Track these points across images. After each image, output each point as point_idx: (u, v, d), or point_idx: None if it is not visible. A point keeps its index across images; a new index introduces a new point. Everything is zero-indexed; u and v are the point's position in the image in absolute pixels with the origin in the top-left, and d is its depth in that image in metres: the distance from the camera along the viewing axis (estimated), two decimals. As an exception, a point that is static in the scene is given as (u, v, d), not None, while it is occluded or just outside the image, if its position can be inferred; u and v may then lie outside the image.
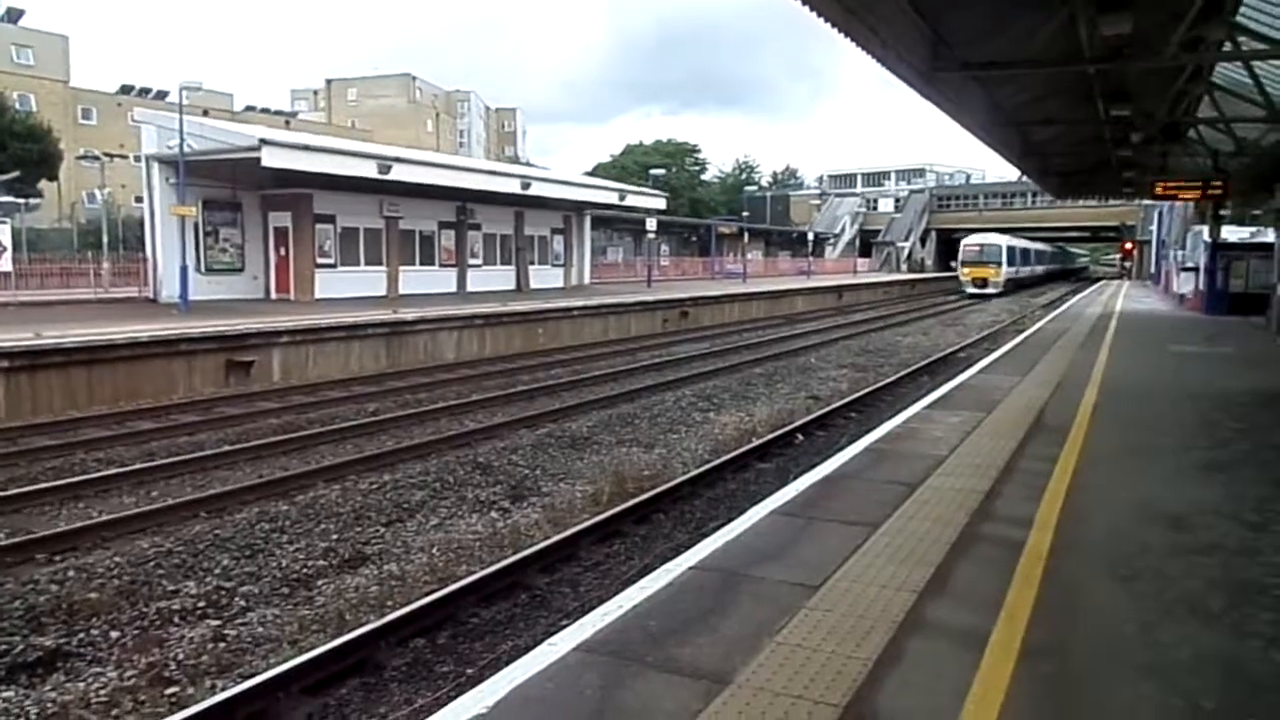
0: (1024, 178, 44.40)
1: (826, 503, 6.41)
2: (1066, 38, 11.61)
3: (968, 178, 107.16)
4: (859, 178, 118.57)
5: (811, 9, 9.36)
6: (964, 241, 58.85)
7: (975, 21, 11.68)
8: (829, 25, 9.94)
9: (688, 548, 5.65)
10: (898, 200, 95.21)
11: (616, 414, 14.60)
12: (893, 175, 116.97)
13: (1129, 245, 69.91)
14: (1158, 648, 4.15)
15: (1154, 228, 55.14)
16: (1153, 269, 55.81)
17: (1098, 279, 78.42)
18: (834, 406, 14.81)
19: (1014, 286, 58.03)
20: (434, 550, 8.09)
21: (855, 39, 10.64)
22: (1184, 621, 4.44)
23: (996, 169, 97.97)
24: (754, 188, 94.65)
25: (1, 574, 7.38)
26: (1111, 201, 53.59)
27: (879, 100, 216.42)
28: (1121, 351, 16.66)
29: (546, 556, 7.62)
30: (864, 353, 24.17)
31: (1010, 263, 56.71)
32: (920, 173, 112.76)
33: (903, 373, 19.22)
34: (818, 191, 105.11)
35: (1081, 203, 62.48)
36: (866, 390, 16.59)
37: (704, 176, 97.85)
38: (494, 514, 9.27)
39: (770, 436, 12.37)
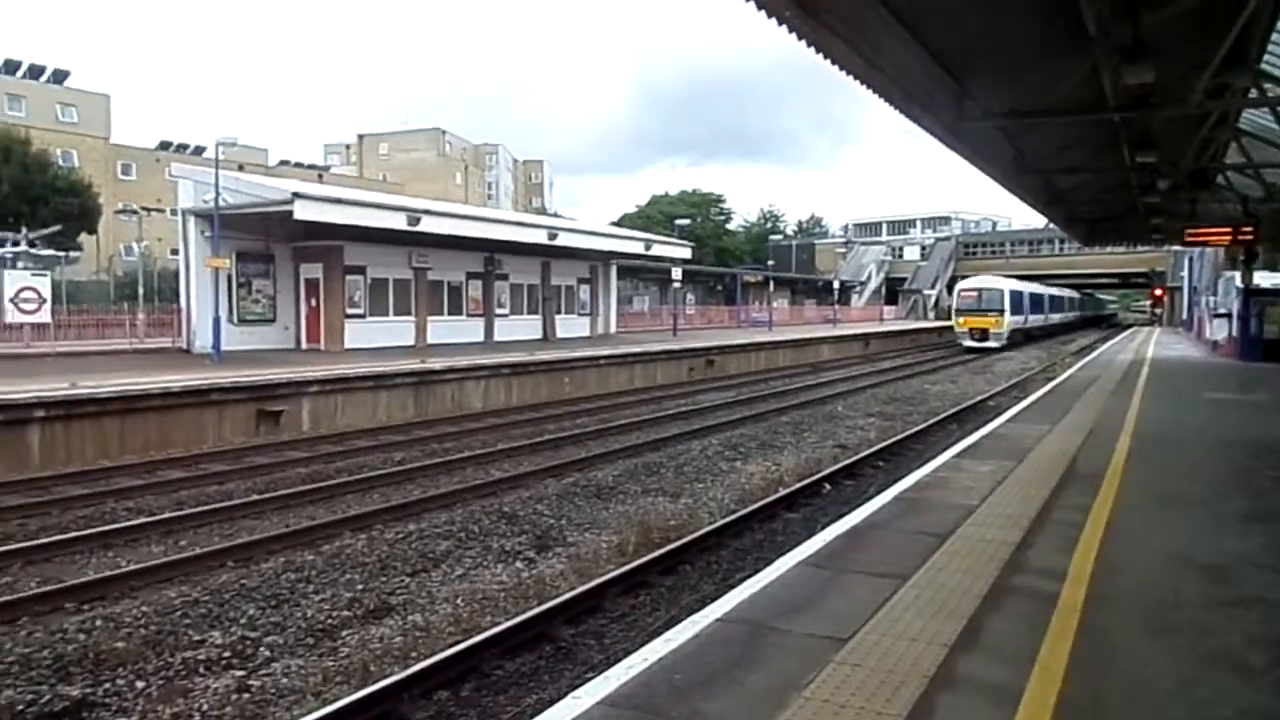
0: (1051, 225, 44.17)
1: (855, 554, 6.33)
2: (1090, 86, 11.67)
3: (994, 225, 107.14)
4: (884, 226, 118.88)
5: (833, 62, 9.49)
6: (959, 286, 51.75)
7: (997, 71, 11.78)
8: (850, 77, 10.07)
9: (714, 599, 5.60)
10: (924, 248, 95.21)
11: (642, 463, 14.56)
12: (918, 223, 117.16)
13: (1159, 291, 69.32)
14: (1197, 705, 4.03)
15: (1185, 274, 54.71)
16: (1184, 315, 55.13)
17: (1128, 326, 77.63)
18: (862, 455, 14.68)
19: (1023, 338, 51.21)
20: (459, 601, 8.06)
21: (876, 90, 10.78)
22: (1224, 678, 4.32)
23: (1023, 216, 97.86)
24: (779, 236, 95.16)
25: (31, 623, 7.44)
26: (1140, 248, 51.46)
27: (903, 149, 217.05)
28: (1154, 399, 16.42)
29: (572, 608, 7.56)
30: (891, 401, 24.00)
31: (1016, 310, 49.03)
32: (946, 220, 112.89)
33: (931, 421, 19.05)
34: (843, 240, 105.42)
35: (1110, 249, 61.22)
36: (894, 439, 16.43)
37: (729, 226, 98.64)
38: (519, 564, 9.23)
39: (797, 486, 12.26)
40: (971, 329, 47.46)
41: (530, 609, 7.47)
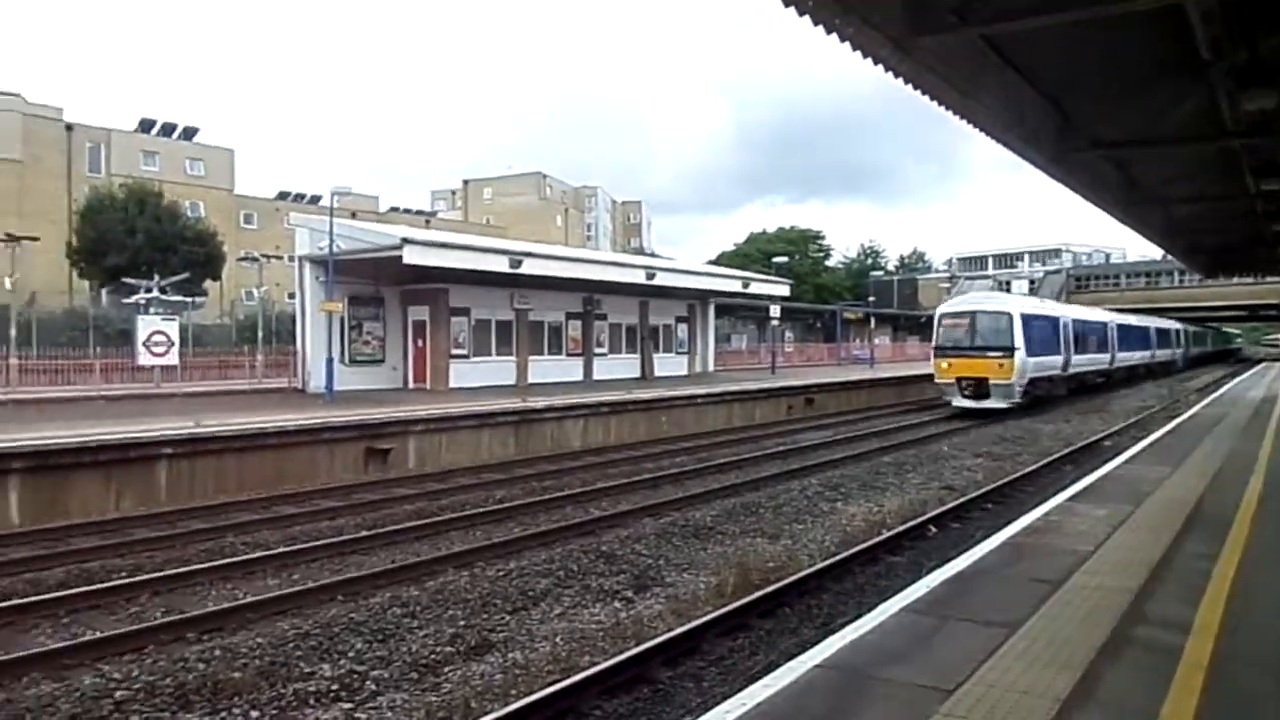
0: (1168, 256, 41.88)
1: (961, 600, 6.13)
2: (1206, 112, 11.16)
3: (1107, 257, 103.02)
4: (990, 260, 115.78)
5: (930, 98, 9.37)
6: (940, 309, 33.21)
7: (1102, 100, 11.39)
8: (947, 111, 9.91)
9: (814, 644, 5.51)
10: (1032, 282, 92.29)
11: (741, 503, 14.43)
12: (1026, 256, 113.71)
13: (1293, 324, 65.24)
14: (1341, 772, 3.75)
15: (1320, 305, 51.36)
16: (1321, 349, 51.59)
17: (1258, 361, 73.27)
18: (969, 497, 14.23)
19: (1064, 391, 33.62)
20: (557, 639, 8.12)
21: (973, 122, 10.55)
22: (1372, 743, 4.00)
23: (1138, 247, 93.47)
24: (880, 272, 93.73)
25: (156, 651, 7.83)
26: (1270, 278, 48.00)
27: (1010, 181, 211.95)
28: (1288, 439, 15.45)
29: (669, 649, 7.52)
30: (1000, 440, 23.18)
31: (1035, 349, 29.70)
32: (1056, 253, 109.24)
33: (1043, 462, 18.31)
34: (947, 274, 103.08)
35: (1236, 280, 57.62)
36: (1004, 480, 15.88)
37: (828, 262, 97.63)
38: (617, 604, 9.25)
39: (901, 528, 11.96)
40: (960, 377, 29.45)
41: (628, 649, 7.48)
